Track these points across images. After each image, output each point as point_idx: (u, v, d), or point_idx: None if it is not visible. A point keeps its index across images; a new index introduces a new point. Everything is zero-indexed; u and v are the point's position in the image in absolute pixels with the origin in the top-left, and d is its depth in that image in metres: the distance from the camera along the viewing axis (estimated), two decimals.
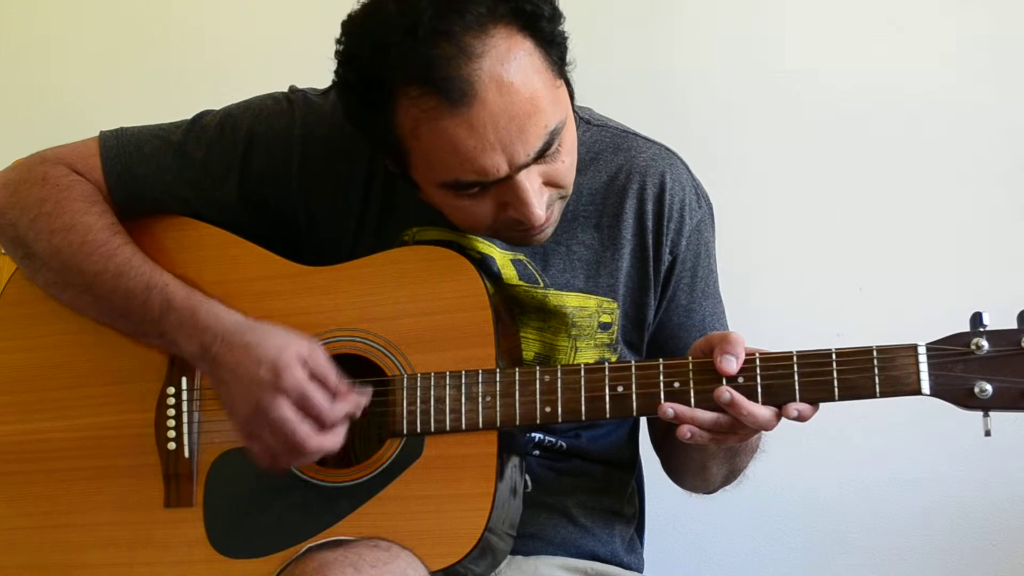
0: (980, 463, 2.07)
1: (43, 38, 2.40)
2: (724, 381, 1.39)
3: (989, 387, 1.32)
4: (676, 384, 1.41)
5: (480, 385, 1.46)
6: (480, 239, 1.55)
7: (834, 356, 1.37)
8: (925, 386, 1.34)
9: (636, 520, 1.72)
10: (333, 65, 1.41)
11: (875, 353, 1.36)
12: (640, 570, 1.69)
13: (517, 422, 1.45)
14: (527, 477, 1.56)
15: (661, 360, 1.42)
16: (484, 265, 1.54)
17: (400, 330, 1.50)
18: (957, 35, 2.12)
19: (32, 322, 1.63)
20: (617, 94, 1.92)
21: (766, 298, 2.12)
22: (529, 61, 1.35)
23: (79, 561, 1.54)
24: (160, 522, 1.53)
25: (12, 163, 1.65)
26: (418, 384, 1.47)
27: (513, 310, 1.57)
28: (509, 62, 1.34)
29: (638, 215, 1.59)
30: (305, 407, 1.42)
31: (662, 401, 1.40)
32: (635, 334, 1.62)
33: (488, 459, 1.44)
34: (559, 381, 1.44)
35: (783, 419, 1.38)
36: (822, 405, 1.39)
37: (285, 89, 1.62)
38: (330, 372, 1.45)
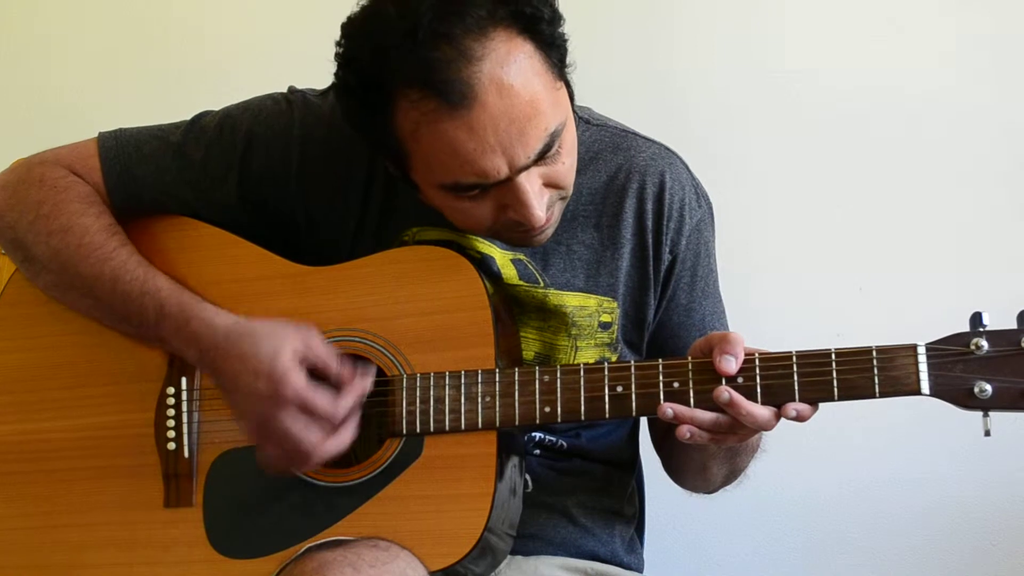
0: (980, 463, 2.07)
1: (43, 38, 2.40)
2: (723, 381, 1.39)
3: (989, 387, 1.32)
4: (675, 384, 1.41)
5: (480, 385, 1.46)
6: (480, 239, 1.55)
7: (833, 356, 1.37)
8: (925, 386, 1.34)
9: (636, 520, 1.72)
10: (333, 66, 1.41)
11: (874, 353, 1.36)
12: (640, 570, 1.69)
13: (516, 422, 1.45)
14: (527, 477, 1.56)
15: (660, 360, 1.42)
16: (484, 265, 1.54)
17: (400, 330, 1.50)
18: (957, 35, 2.12)
19: (32, 322, 1.63)
20: (617, 94, 1.92)
21: (766, 298, 2.12)
22: (529, 64, 1.35)
23: (79, 561, 1.54)
24: (160, 522, 1.53)
25: (11, 164, 1.65)
26: (417, 384, 1.47)
27: (513, 310, 1.57)
28: (509, 65, 1.33)
29: (638, 214, 1.59)
30: (309, 413, 1.42)
31: (661, 401, 1.40)
32: (635, 334, 1.62)
33: (488, 459, 1.44)
34: (558, 381, 1.44)
35: (783, 419, 1.38)
36: (822, 405, 1.38)
37: (284, 89, 1.62)
38: (330, 360, 1.44)
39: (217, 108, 1.62)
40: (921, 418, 1.89)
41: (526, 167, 1.37)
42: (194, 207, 1.60)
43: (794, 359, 1.38)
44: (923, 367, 1.34)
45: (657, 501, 1.78)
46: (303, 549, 1.44)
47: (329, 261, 1.55)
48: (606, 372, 1.43)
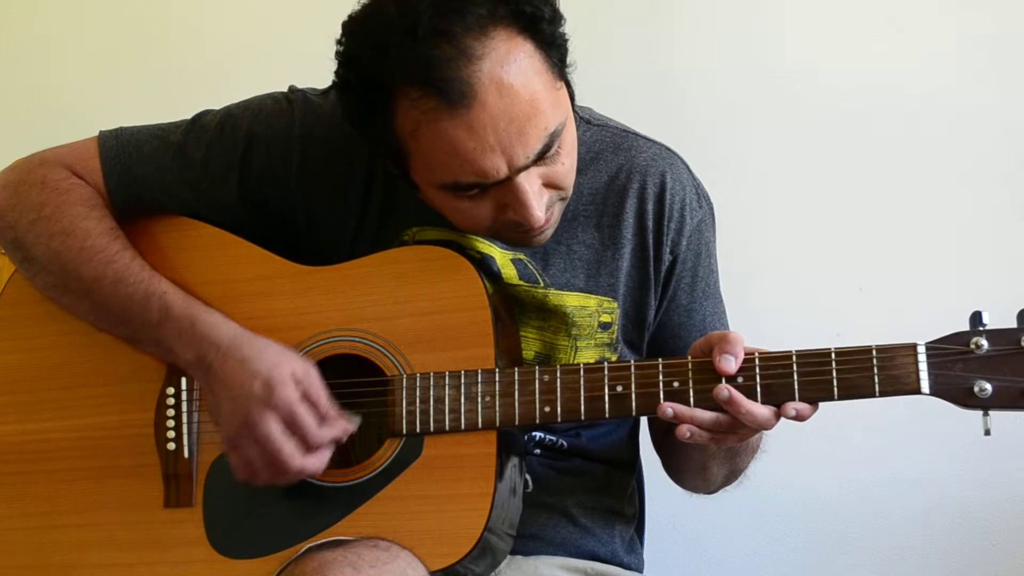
0: (980, 463, 2.07)
1: (43, 38, 2.40)
2: (723, 381, 1.39)
3: (989, 386, 1.32)
4: (675, 384, 1.41)
5: (479, 385, 1.46)
6: (480, 239, 1.55)
7: (833, 356, 1.37)
8: (925, 385, 1.34)
9: (636, 520, 1.72)
10: (333, 65, 1.41)
11: (874, 352, 1.36)
12: (640, 570, 1.69)
13: (516, 422, 1.45)
14: (528, 477, 1.57)
15: (660, 360, 1.42)
16: (484, 265, 1.54)
17: (399, 330, 1.50)
18: (957, 35, 2.12)
19: (32, 322, 1.63)
20: (617, 94, 1.92)
21: (766, 298, 2.12)
22: (529, 63, 1.35)
23: (79, 561, 1.54)
24: (160, 522, 1.53)
25: (12, 164, 1.65)
26: (417, 384, 1.47)
27: (513, 310, 1.57)
28: (509, 64, 1.33)
29: (638, 215, 1.58)
30: (293, 426, 1.42)
31: (661, 401, 1.40)
32: (635, 334, 1.62)
33: (487, 459, 1.44)
34: (558, 381, 1.44)
35: (782, 419, 1.38)
36: (822, 405, 1.38)
37: (285, 89, 1.62)
38: (321, 395, 1.45)
39: (217, 108, 1.62)
40: (921, 418, 1.89)
41: (525, 167, 1.37)
42: (194, 207, 1.60)
43: (794, 359, 1.38)
44: (923, 366, 1.34)
45: (657, 501, 1.78)
46: (303, 549, 1.44)
47: (329, 261, 1.55)
48: (606, 372, 1.43)
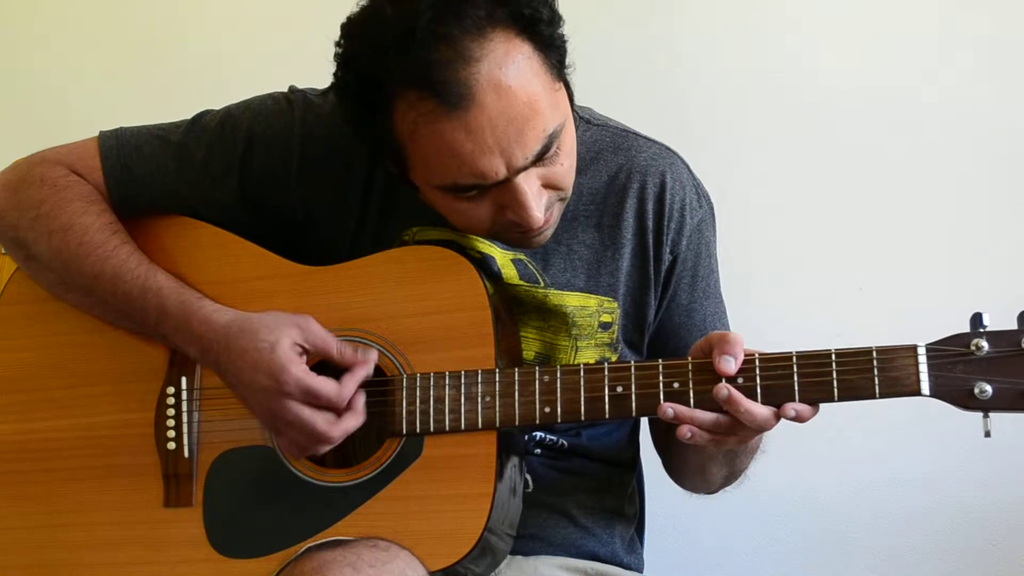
0: (980, 463, 2.06)
1: (43, 38, 2.40)
2: (724, 381, 1.38)
3: (989, 388, 1.32)
4: (676, 384, 1.41)
5: (479, 385, 1.46)
6: (480, 239, 1.55)
7: (834, 357, 1.37)
8: (925, 387, 1.34)
9: (636, 520, 1.72)
10: (332, 66, 1.41)
11: (875, 354, 1.36)
12: (640, 570, 1.69)
13: (516, 422, 1.45)
14: (528, 477, 1.57)
15: (660, 360, 1.42)
16: (484, 265, 1.54)
17: (399, 330, 1.50)
18: (957, 35, 2.12)
19: (32, 322, 1.63)
20: (617, 94, 1.92)
21: (766, 298, 2.12)
22: (527, 64, 1.35)
23: (79, 561, 1.54)
24: (160, 522, 1.53)
25: (12, 164, 1.65)
26: (417, 384, 1.47)
27: (513, 310, 1.57)
28: (507, 66, 1.33)
29: (638, 214, 1.58)
30: (315, 400, 1.42)
31: (661, 401, 1.40)
32: (635, 334, 1.62)
33: (487, 459, 1.44)
34: (558, 381, 1.44)
35: (782, 419, 1.38)
36: (822, 406, 1.38)
37: (285, 89, 1.62)
38: (329, 343, 1.46)
39: (218, 108, 1.62)
40: (921, 418, 1.89)
41: (524, 168, 1.37)
42: (194, 207, 1.60)
43: (794, 360, 1.38)
44: (923, 368, 1.34)
45: (657, 501, 1.78)
46: (303, 549, 1.44)
47: (329, 261, 1.55)
48: (606, 372, 1.43)
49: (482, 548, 1.43)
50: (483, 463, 1.44)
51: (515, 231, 1.45)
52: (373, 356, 1.47)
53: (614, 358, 1.60)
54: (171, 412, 1.55)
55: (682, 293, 1.62)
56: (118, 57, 2.37)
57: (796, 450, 2.01)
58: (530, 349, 1.58)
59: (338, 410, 1.44)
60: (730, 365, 1.38)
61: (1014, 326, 1.33)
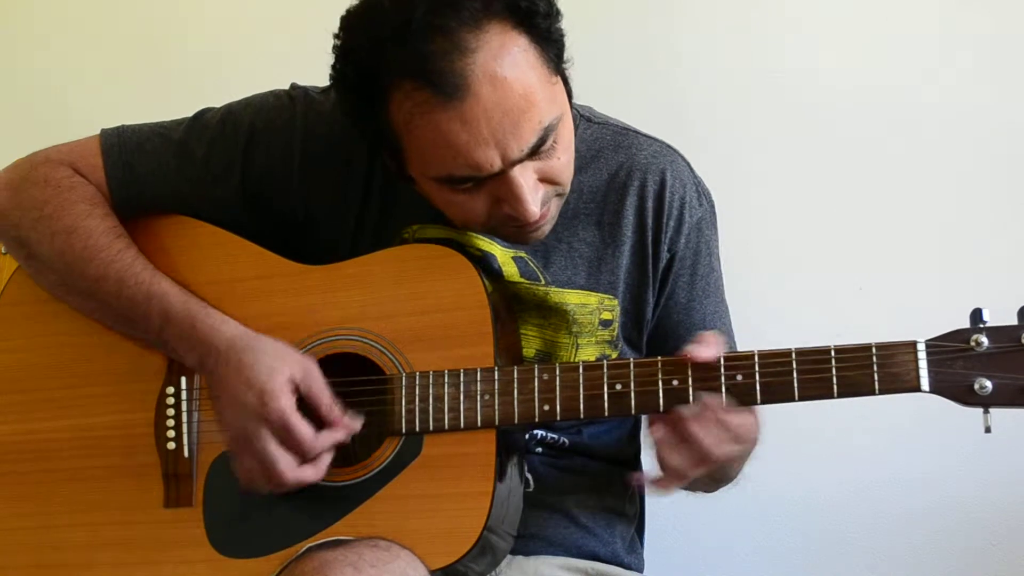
0: (980, 463, 2.06)
1: (43, 38, 2.40)
2: (722, 377, 1.38)
3: (989, 383, 1.32)
4: (674, 382, 1.41)
5: (479, 383, 1.46)
6: (481, 236, 1.55)
7: (833, 353, 1.37)
8: (925, 383, 1.34)
9: (637, 520, 1.72)
10: (332, 61, 1.41)
11: (874, 350, 1.36)
12: (640, 570, 1.69)
13: (516, 420, 1.45)
14: (528, 477, 1.57)
15: (659, 358, 1.42)
16: (485, 262, 1.54)
17: (399, 328, 1.49)
18: (957, 35, 2.12)
19: (32, 322, 1.63)
20: (617, 94, 1.91)
21: (766, 298, 2.12)
22: (524, 57, 1.35)
23: (79, 561, 1.54)
24: (160, 522, 1.53)
25: (13, 163, 1.64)
26: (417, 383, 1.47)
27: (513, 307, 1.57)
28: (503, 57, 1.34)
29: (638, 212, 1.58)
30: (287, 439, 1.42)
31: (661, 398, 1.40)
32: (635, 331, 1.62)
33: (487, 458, 1.44)
34: (557, 379, 1.44)
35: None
36: (821, 403, 1.38)
37: (287, 87, 1.62)
38: (324, 395, 1.45)
39: (219, 106, 1.62)
40: (921, 418, 1.89)
41: (520, 160, 1.37)
42: (195, 205, 1.60)
43: (793, 356, 1.38)
44: (923, 363, 1.34)
45: (657, 501, 1.78)
46: (303, 549, 1.44)
47: (329, 260, 1.55)
48: (605, 370, 1.43)
49: (482, 547, 1.43)
50: (482, 462, 1.44)
51: (512, 225, 1.44)
52: (358, 423, 1.47)
53: (614, 356, 1.60)
54: (171, 412, 1.55)
55: (680, 291, 1.62)
56: (118, 57, 2.37)
57: (796, 450, 2.02)
58: (530, 347, 1.58)
59: (305, 457, 1.43)
60: (700, 351, 1.38)
61: (1014, 322, 1.33)
